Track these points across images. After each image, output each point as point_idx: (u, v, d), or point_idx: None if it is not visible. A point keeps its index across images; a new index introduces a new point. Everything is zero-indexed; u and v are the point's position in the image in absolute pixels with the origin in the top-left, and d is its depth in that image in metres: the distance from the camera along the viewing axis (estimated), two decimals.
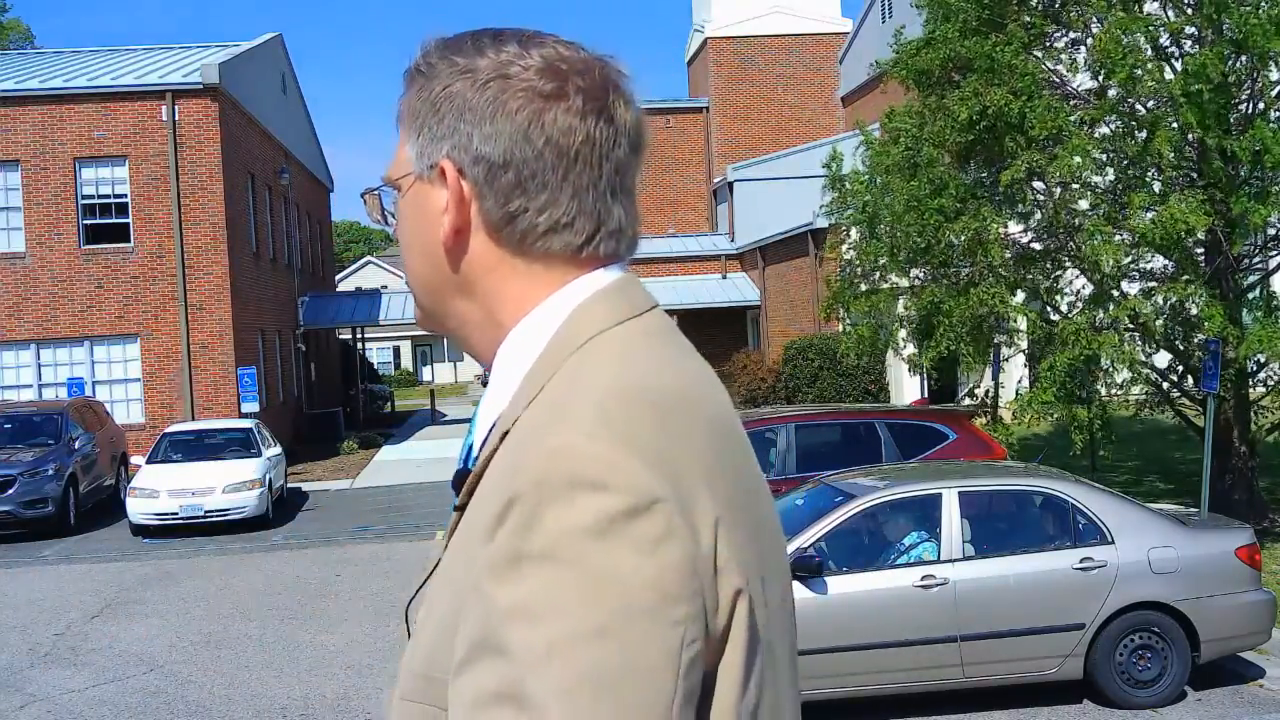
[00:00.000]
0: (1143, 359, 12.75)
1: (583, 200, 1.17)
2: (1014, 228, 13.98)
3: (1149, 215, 11.91)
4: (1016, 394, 13.73)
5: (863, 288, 14.95)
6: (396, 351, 72.07)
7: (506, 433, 1.12)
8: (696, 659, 1.01)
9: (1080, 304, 13.57)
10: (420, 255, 1.24)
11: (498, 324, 1.21)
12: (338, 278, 49.65)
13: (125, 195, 23.81)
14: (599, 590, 0.97)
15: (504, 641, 0.98)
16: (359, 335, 37.98)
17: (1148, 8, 12.62)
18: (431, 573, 1.21)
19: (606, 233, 1.19)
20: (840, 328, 17.88)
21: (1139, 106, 12.52)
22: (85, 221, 23.77)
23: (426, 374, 71.57)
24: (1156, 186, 12.64)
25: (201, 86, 23.78)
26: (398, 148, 1.26)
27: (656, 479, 1.02)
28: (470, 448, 1.24)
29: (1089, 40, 12.80)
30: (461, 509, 1.15)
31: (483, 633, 1.00)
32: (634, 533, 0.99)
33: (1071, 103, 13.01)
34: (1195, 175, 12.57)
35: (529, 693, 0.96)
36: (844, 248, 16.04)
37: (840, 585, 7.86)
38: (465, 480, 1.16)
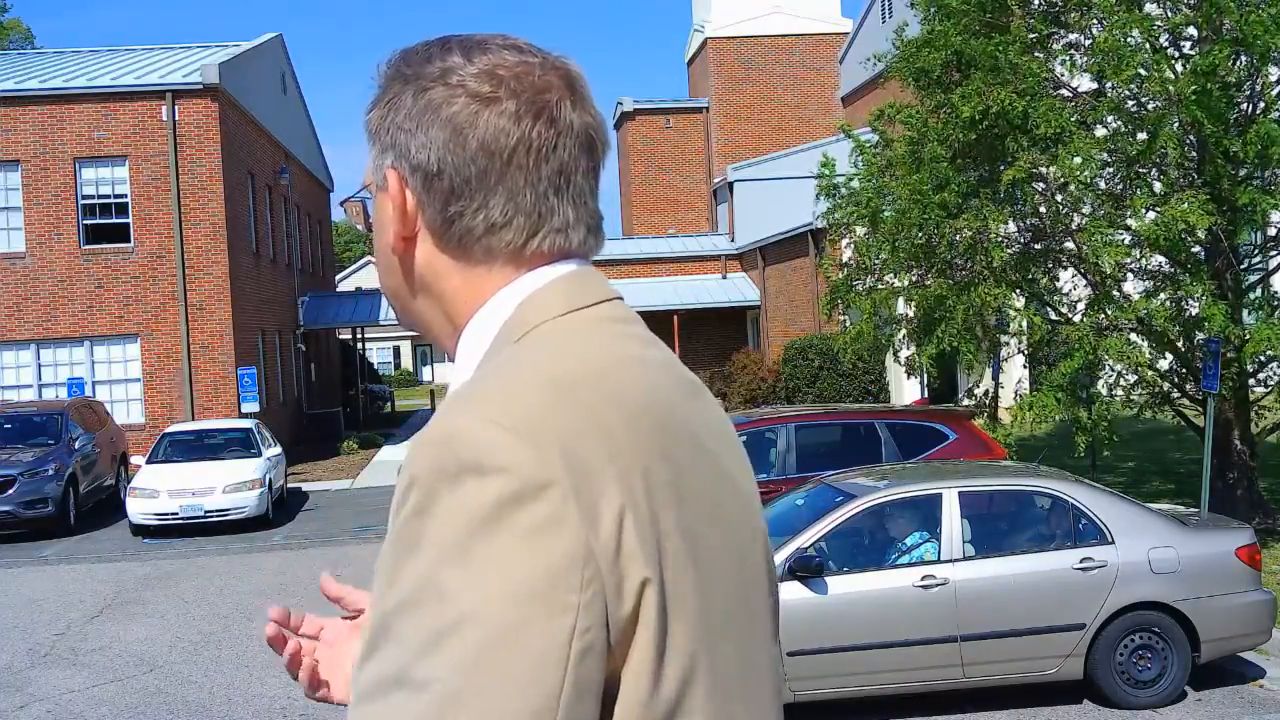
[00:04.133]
0: (1148, 359, 12.74)
1: (520, 201, 1.18)
2: (1013, 227, 13.97)
3: (1150, 215, 11.91)
4: (1016, 395, 13.72)
5: (866, 283, 14.91)
6: (396, 351, 72.09)
7: None
8: (591, 649, 1.00)
9: (1081, 304, 13.56)
10: (382, 261, 1.27)
11: (454, 323, 1.23)
12: (338, 278, 49.66)
13: (125, 195, 23.82)
14: (484, 576, 0.98)
15: (394, 628, 1.00)
16: (359, 335, 37.99)
17: (1148, 9, 12.62)
18: None
19: (550, 230, 1.20)
20: (840, 327, 17.88)
21: (1141, 108, 12.52)
22: (85, 221, 23.77)
23: (426, 374, 71.60)
24: (1157, 186, 12.65)
25: (201, 86, 23.79)
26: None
27: (548, 462, 1.01)
28: None
29: (1089, 42, 12.79)
30: None
31: (379, 620, 1.02)
32: (522, 518, 0.99)
33: (1072, 103, 13.00)
34: (1196, 175, 12.57)
35: (417, 678, 0.97)
36: (843, 244, 16.03)
37: (840, 585, 7.86)
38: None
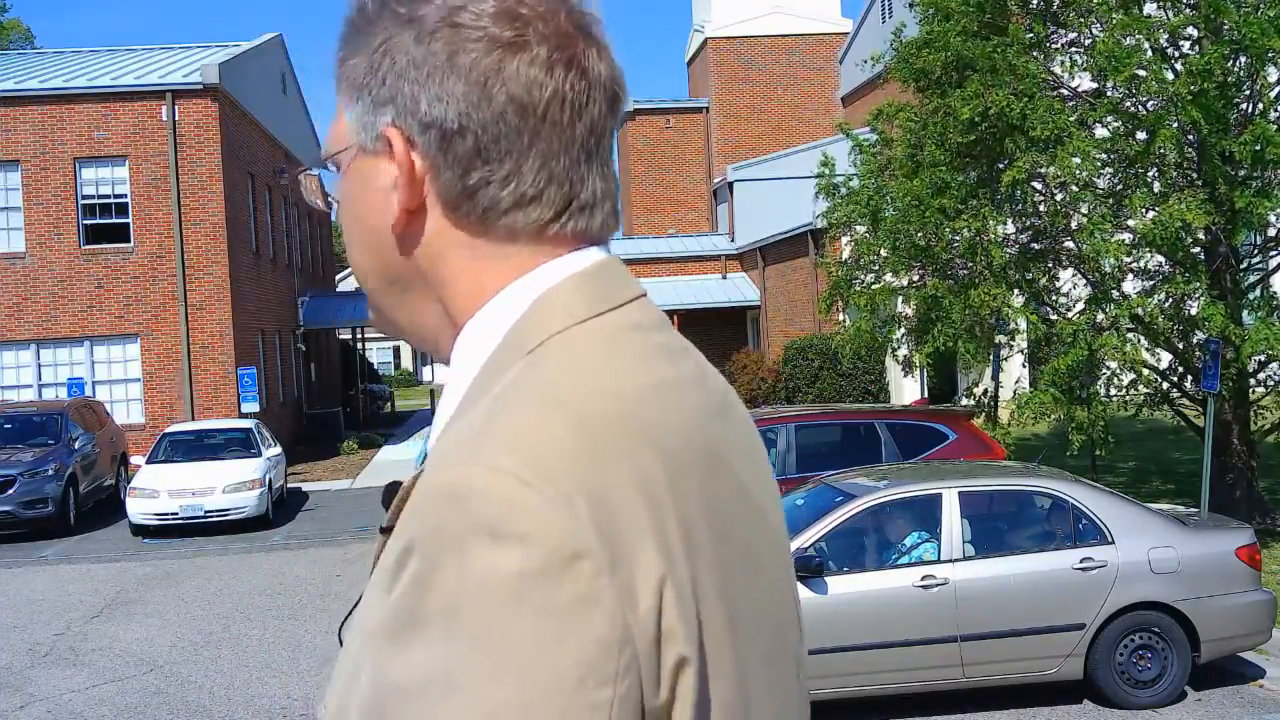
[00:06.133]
0: (1145, 357, 12.75)
1: (553, 168, 1.01)
2: (1013, 228, 13.98)
3: (1149, 215, 11.92)
4: (1014, 394, 13.73)
5: (865, 280, 14.90)
6: (396, 351, 72.11)
7: None
8: None
9: (1080, 303, 13.57)
10: (364, 242, 1.07)
11: (453, 318, 1.04)
12: (338, 278, 49.64)
13: (125, 195, 23.82)
14: (503, 667, 0.82)
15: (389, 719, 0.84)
16: (359, 335, 38.00)
17: (1147, 9, 12.63)
18: (353, 610, 1.06)
19: (578, 207, 1.02)
20: (839, 326, 17.87)
21: (1139, 107, 12.53)
22: (85, 221, 23.77)
23: (426, 374, 71.54)
24: (1156, 186, 12.65)
25: (201, 86, 23.79)
26: (335, 118, 1.09)
27: (579, 528, 0.85)
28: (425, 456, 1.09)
29: (1089, 42, 12.80)
30: (387, 531, 0.98)
31: (371, 703, 0.86)
32: (548, 596, 0.83)
33: (1070, 103, 13.01)
34: (1195, 175, 12.58)
35: None
36: (843, 241, 16.04)
37: (840, 585, 7.86)
38: (386, 498, 1.01)
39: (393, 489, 1.00)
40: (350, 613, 1.07)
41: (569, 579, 0.83)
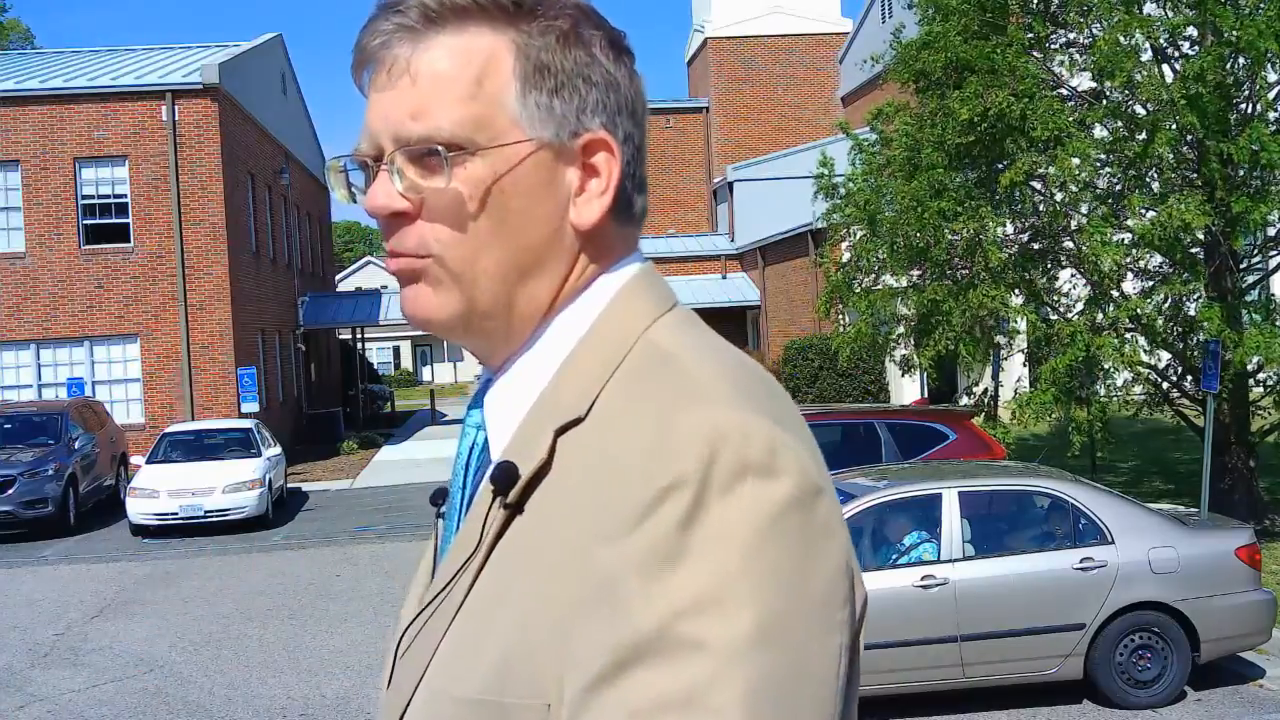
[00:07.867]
0: (1144, 359, 12.74)
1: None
2: (1011, 229, 13.97)
3: (1149, 215, 11.91)
4: (1015, 394, 13.73)
5: (864, 282, 14.89)
6: (396, 351, 72.10)
7: (575, 421, 0.99)
8: (846, 671, 0.94)
9: (1079, 303, 13.57)
10: (515, 227, 1.04)
11: (552, 307, 1.07)
12: (338, 278, 49.66)
13: (125, 195, 23.82)
14: (768, 586, 0.88)
15: (674, 641, 0.87)
16: (359, 335, 37.98)
17: (1147, 8, 12.62)
18: (446, 588, 1.03)
19: (645, 198, 1.15)
20: (835, 327, 17.85)
21: (1139, 109, 12.52)
22: (85, 221, 23.77)
23: (426, 374, 71.58)
24: (1155, 187, 12.65)
25: (201, 86, 23.79)
26: (466, 94, 1.03)
27: (815, 466, 0.94)
28: (481, 433, 1.10)
29: (1088, 41, 12.79)
30: (511, 507, 1.00)
31: (640, 633, 0.88)
32: (803, 525, 0.91)
33: (1070, 103, 12.99)
34: (1194, 176, 12.57)
35: (709, 696, 0.85)
36: (843, 246, 16.02)
37: None
38: (508, 475, 1.00)
39: (510, 469, 1.00)
40: (417, 617, 1.06)
41: (818, 510, 0.92)
